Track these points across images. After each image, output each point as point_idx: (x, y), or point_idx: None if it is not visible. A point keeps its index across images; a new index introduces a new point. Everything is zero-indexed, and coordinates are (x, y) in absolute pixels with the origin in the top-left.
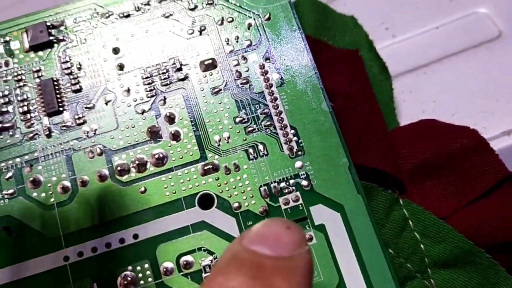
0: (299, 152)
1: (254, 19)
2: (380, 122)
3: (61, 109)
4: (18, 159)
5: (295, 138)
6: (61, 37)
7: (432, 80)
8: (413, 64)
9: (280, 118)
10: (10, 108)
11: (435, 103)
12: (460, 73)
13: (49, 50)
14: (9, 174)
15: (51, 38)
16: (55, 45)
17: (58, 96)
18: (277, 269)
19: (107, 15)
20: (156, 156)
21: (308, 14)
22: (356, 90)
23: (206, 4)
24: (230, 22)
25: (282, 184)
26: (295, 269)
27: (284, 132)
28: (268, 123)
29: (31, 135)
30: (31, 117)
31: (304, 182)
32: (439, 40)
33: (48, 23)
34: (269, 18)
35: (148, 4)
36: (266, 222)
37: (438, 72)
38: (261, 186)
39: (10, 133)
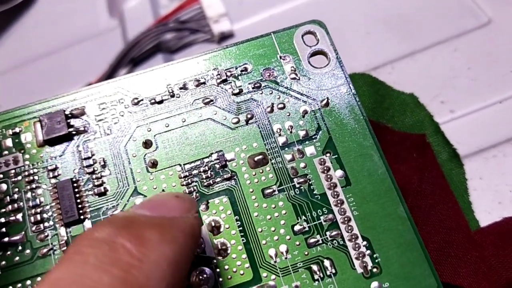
0: (375, 270)
1: (310, 104)
2: (465, 228)
3: (81, 217)
4: (28, 282)
5: (368, 252)
6: (82, 128)
7: (505, 164)
8: (479, 145)
9: (348, 227)
10: (19, 216)
11: None
12: None
13: (67, 144)
14: None
15: (70, 129)
16: (75, 137)
17: (79, 201)
18: (151, 224)
19: (136, 101)
20: (199, 276)
21: (364, 93)
22: (429, 185)
23: (253, 88)
24: (281, 109)
25: None
26: (172, 226)
27: (355, 244)
28: (335, 233)
29: (44, 250)
30: (45, 227)
31: None
32: (505, 116)
33: (67, 112)
34: (327, 104)
35: (184, 88)
36: (157, 193)
37: (511, 155)
38: None
39: (19, 248)
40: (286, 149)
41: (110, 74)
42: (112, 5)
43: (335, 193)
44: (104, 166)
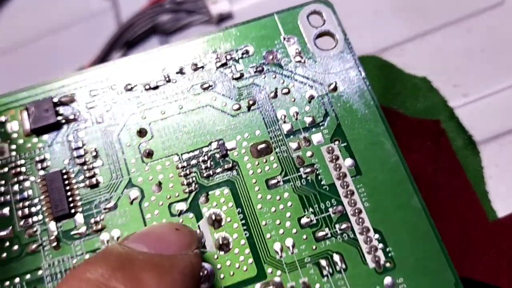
0: (388, 265)
1: (316, 89)
2: (483, 221)
3: (72, 211)
4: (17, 279)
5: (381, 246)
6: (71, 117)
7: None
8: (494, 131)
9: (359, 219)
10: (6, 210)
11: None
12: None
13: (56, 133)
14: None
15: (59, 118)
16: (64, 126)
17: (69, 194)
18: (149, 265)
19: (129, 86)
20: (200, 273)
21: (373, 77)
22: (444, 176)
23: (255, 72)
24: (285, 94)
25: None
26: (171, 268)
27: (366, 238)
28: (344, 225)
29: (33, 246)
30: (33, 222)
31: None
32: None
33: (55, 99)
34: (335, 88)
35: (181, 72)
36: (155, 224)
37: None
38: None
39: (7, 244)
40: (292, 137)
41: (103, 58)
42: None
43: (345, 184)
44: (96, 157)
